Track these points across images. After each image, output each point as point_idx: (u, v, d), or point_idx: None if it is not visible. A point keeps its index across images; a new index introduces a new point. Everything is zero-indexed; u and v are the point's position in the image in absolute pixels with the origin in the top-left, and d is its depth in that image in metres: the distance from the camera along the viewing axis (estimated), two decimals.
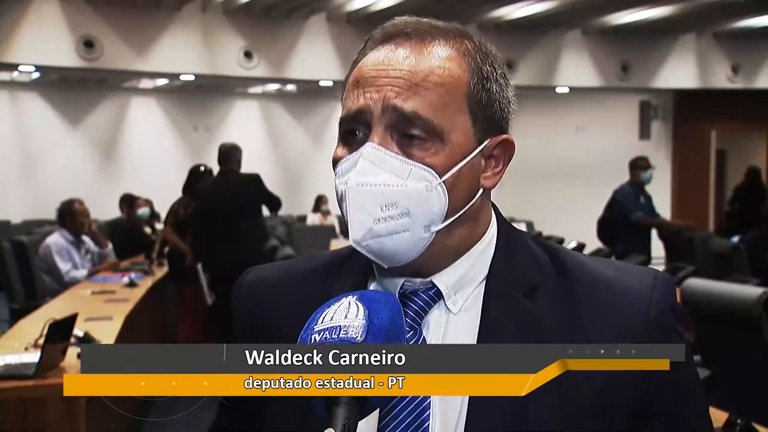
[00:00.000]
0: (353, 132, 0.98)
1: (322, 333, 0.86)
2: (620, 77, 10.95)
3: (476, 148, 0.99)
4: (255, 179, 6.15)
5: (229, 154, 6.13)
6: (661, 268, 7.84)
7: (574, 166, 12.81)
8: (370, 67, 0.99)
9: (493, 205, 1.08)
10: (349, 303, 0.89)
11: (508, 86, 1.04)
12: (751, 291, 3.52)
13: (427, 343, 0.99)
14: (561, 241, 9.15)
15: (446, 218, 0.98)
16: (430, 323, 1.01)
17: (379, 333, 0.86)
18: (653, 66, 11.03)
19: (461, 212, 0.99)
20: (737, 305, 3.49)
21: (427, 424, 0.96)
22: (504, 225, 1.07)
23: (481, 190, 1.01)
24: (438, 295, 1.01)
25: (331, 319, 0.87)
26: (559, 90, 11.37)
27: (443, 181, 0.96)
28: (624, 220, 7.84)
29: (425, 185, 0.96)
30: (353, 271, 1.07)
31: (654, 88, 11.33)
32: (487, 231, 1.05)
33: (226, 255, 5.76)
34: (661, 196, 12.01)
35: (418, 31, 1.00)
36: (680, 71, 11.09)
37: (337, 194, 0.99)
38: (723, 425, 2.59)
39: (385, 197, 0.95)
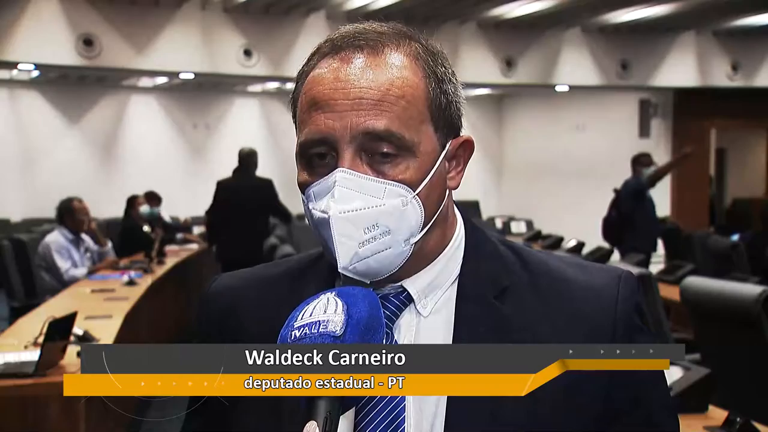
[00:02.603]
0: (319, 155, 0.97)
1: (302, 329, 0.87)
2: (620, 75, 10.94)
3: (441, 154, 1.00)
4: (267, 185, 6.98)
5: (247, 159, 6.97)
6: (660, 266, 7.84)
7: (573, 164, 12.81)
8: (326, 87, 0.97)
9: (458, 206, 1.08)
10: (328, 299, 0.90)
11: (458, 83, 1.03)
12: (751, 289, 3.52)
13: None
14: (560, 239, 9.17)
15: (423, 228, 0.98)
16: (402, 327, 1.01)
17: (358, 326, 0.87)
18: (653, 64, 11.01)
19: (434, 218, 1.00)
20: (737, 303, 3.49)
21: (402, 417, 0.97)
22: (470, 225, 1.08)
23: (447, 192, 1.02)
24: (408, 299, 1.02)
25: (311, 315, 0.88)
26: (558, 88, 11.35)
27: (417, 194, 0.96)
28: (630, 216, 7.74)
29: (401, 200, 0.96)
30: (319, 276, 1.07)
31: (653, 86, 11.32)
32: (456, 232, 1.06)
33: (233, 245, 6.68)
34: (660, 193, 12.00)
35: (369, 42, 0.98)
36: (680, 69, 11.08)
37: (310, 218, 0.98)
38: (722, 423, 2.59)
39: (367, 220, 0.95)
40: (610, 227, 8.06)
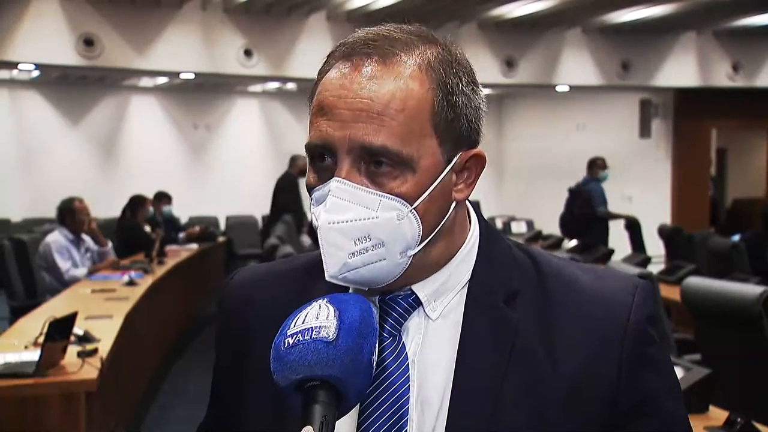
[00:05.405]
0: (321, 157, 0.97)
1: (295, 336, 0.88)
2: (620, 75, 10.94)
3: (445, 168, 0.97)
4: (283, 186, 9.46)
5: (290, 161, 9.46)
6: (660, 266, 7.84)
7: (574, 164, 12.77)
8: (332, 93, 0.95)
9: (476, 209, 1.07)
10: (320, 306, 0.90)
11: (476, 93, 1.00)
12: (751, 289, 3.52)
13: (406, 349, 0.99)
14: (561, 239, 9.16)
15: (421, 241, 0.97)
16: (410, 329, 1.01)
17: (351, 331, 0.88)
18: (653, 64, 11.01)
19: (436, 231, 0.98)
20: (737, 304, 3.50)
21: (405, 419, 0.97)
22: (486, 229, 1.07)
23: (453, 204, 1.00)
24: (417, 302, 1.01)
25: (303, 322, 0.89)
26: (559, 88, 11.35)
27: (414, 209, 0.95)
28: (592, 214, 8.95)
29: (396, 214, 0.94)
30: None
31: (654, 86, 11.31)
32: (466, 239, 1.04)
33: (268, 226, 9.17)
34: (661, 194, 12.01)
35: (378, 49, 0.96)
36: (680, 69, 11.07)
37: (312, 222, 0.99)
38: (723, 424, 2.59)
39: (358, 231, 0.94)
40: (571, 224, 9.15)
